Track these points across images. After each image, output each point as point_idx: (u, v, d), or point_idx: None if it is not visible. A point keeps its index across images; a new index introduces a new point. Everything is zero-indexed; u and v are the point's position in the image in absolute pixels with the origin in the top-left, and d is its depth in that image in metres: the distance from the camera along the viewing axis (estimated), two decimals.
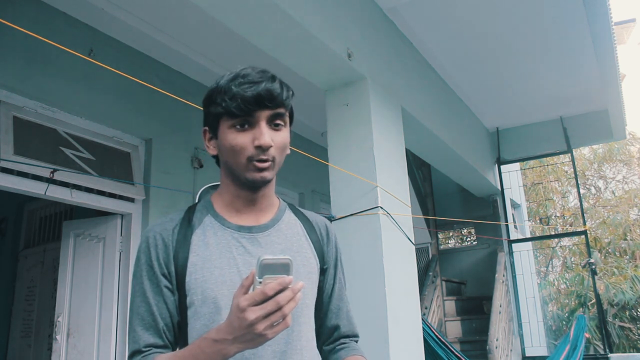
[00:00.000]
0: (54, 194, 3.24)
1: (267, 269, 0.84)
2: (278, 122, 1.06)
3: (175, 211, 1.16)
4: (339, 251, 1.24)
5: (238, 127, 1.04)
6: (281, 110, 1.06)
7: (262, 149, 1.03)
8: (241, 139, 1.04)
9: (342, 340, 1.22)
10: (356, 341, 1.25)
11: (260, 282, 0.84)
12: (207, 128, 1.12)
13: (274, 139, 1.05)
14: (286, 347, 1.04)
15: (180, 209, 1.16)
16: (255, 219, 1.13)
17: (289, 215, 1.18)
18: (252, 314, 0.83)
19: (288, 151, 1.14)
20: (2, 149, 2.98)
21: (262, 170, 1.05)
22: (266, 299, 0.83)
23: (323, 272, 1.19)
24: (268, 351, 1.02)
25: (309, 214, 1.24)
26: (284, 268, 0.85)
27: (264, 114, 1.04)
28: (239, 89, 1.02)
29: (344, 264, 1.30)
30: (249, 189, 1.11)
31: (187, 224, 1.11)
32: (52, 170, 3.06)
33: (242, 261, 1.06)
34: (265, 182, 1.08)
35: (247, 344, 0.87)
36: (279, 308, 0.83)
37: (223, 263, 1.06)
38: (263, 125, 1.03)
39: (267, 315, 0.83)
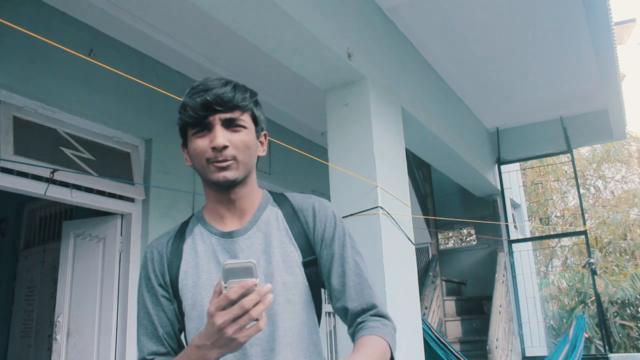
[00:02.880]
0: (54, 194, 3.24)
1: (230, 273, 0.85)
2: (236, 124, 1.10)
3: (173, 227, 1.22)
4: (337, 229, 1.17)
5: (198, 133, 1.10)
6: (236, 113, 1.10)
7: (217, 149, 1.07)
8: (200, 143, 1.10)
9: (359, 320, 1.13)
10: (375, 313, 1.14)
11: (225, 287, 0.85)
12: (182, 143, 1.19)
13: (232, 139, 1.09)
14: (274, 345, 1.06)
15: (177, 225, 1.23)
16: (238, 222, 1.16)
17: (269, 211, 1.18)
18: (220, 318, 0.85)
19: (261, 152, 1.19)
20: (2, 149, 2.98)
21: (221, 169, 1.09)
22: (230, 303, 0.84)
23: (312, 262, 1.15)
24: (258, 350, 1.05)
25: (297, 199, 1.22)
26: (247, 271, 0.85)
27: (217, 118, 1.09)
28: (189, 99, 1.10)
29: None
30: (222, 192, 1.14)
31: (181, 235, 1.18)
32: (52, 170, 3.06)
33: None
34: (229, 182, 1.10)
35: (223, 348, 0.89)
36: (246, 312, 0.84)
37: (211, 268, 1.10)
38: (217, 128, 1.08)
39: (234, 319, 0.85)
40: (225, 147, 1.07)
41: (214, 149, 1.07)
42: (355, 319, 1.13)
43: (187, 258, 1.13)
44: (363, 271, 1.16)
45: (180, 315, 1.13)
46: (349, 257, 1.16)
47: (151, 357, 1.11)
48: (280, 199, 1.22)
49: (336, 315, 1.22)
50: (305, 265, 1.14)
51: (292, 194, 1.24)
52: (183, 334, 1.16)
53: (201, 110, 1.08)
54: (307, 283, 1.14)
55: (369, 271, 1.19)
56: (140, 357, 1.12)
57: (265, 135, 1.22)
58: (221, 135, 1.07)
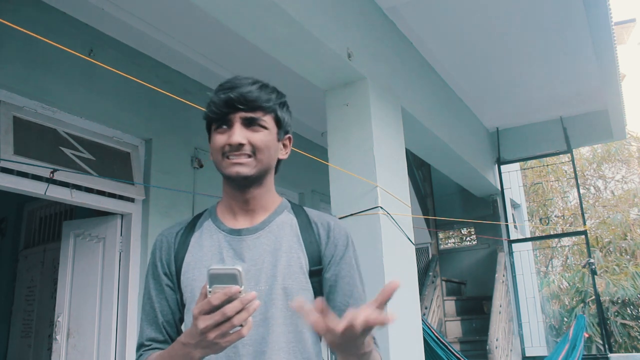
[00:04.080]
0: (54, 194, 3.24)
1: (215, 278, 0.85)
2: (255, 124, 1.12)
3: (185, 218, 1.25)
4: (348, 249, 1.19)
5: (218, 129, 1.13)
6: (257, 114, 1.12)
7: (234, 146, 1.09)
8: (219, 138, 1.12)
9: None
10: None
11: (210, 292, 0.85)
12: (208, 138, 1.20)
13: (250, 138, 1.11)
14: (266, 347, 1.06)
15: (190, 214, 1.23)
16: (249, 221, 1.17)
17: (284, 216, 1.19)
18: (202, 322, 0.86)
19: (283, 155, 1.19)
20: (2, 149, 2.98)
21: (236, 165, 1.10)
22: (213, 308, 0.85)
23: (318, 272, 1.16)
24: (250, 350, 1.05)
25: (314, 214, 1.23)
26: (232, 278, 0.85)
27: (238, 116, 1.11)
28: (215, 95, 1.12)
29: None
30: (237, 188, 1.16)
31: (191, 228, 1.19)
32: (52, 170, 3.06)
33: (230, 263, 1.10)
34: (242, 178, 1.11)
35: (206, 350, 0.90)
36: (228, 319, 0.84)
37: (213, 264, 1.10)
38: (236, 126, 1.11)
39: (216, 325, 0.85)
40: (242, 145, 1.10)
41: (230, 145, 1.10)
42: None
43: (192, 251, 1.15)
44: (366, 299, 1.19)
45: (182, 305, 1.16)
46: (357, 281, 1.20)
47: (149, 343, 1.14)
48: (297, 209, 1.23)
49: None
50: (312, 274, 1.15)
51: (309, 209, 1.25)
52: (183, 323, 1.18)
53: (223, 107, 1.10)
54: (312, 291, 1.14)
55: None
56: (139, 342, 1.15)
57: (289, 138, 1.23)
58: (239, 133, 1.10)
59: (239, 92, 1.10)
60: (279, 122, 1.17)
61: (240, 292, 0.84)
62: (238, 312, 0.84)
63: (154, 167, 3.81)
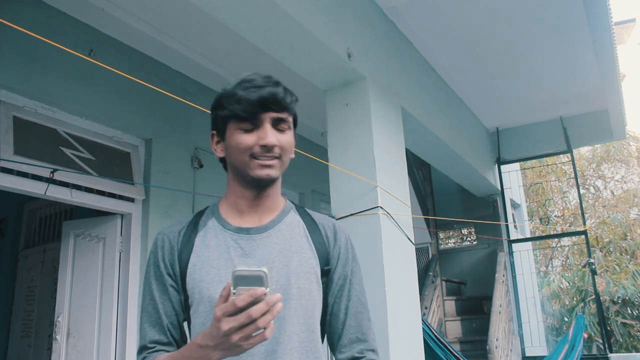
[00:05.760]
0: (54, 194, 3.24)
1: (240, 280, 0.84)
2: (282, 125, 1.12)
3: (186, 216, 1.22)
4: (350, 252, 1.22)
5: (245, 128, 1.10)
6: (284, 114, 1.11)
7: (267, 148, 1.08)
8: (247, 139, 1.09)
9: (356, 355, 1.14)
10: (368, 347, 1.16)
11: (234, 293, 0.84)
12: (214, 132, 1.17)
13: (279, 139, 1.10)
14: (277, 347, 1.06)
15: (191, 214, 1.22)
16: (257, 220, 1.16)
17: (292, 217, 1.20)
18: (226, 324, 0.84)
19: (293, 155, 1.19)
20: (2, 149, 2.98)
21: (266, 167, 1.09)
22: (237, 310, 0.83)
23: (326, 273, 1.18)
24: (261, 350, 1.04)
25: (317, 215, 1.25)
26: (257, 280, 0.84)
27: (268, 116, 1.09)
28: (245, 92, 1.09)
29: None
30: (254, 188, 1.14)
31: (193, 227, 1.17)
32: (52, 170, 3.06)
33: (239, 262, 1.09)
34: (271, 180, 1.12)
35: (226, 351, 0.89)
36: (253, 321, 0.83)
37: (220, 264, 1.09)
38: (268, 127, 1.09)
39: (240, 327, 0.84)
40: (274, 146, 1.09)
41: (263, 146, 1.08)
42: (349, 347, 1.15)
43: (198, 251, 1.12)
44: (366, 302, 1.21)
45: (185, 307, 1.13)
46: (357, 283, 1.21)
47: (152, 345, 1.10)
48: (300, 210, 1.24)
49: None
50: (322, 274, 1.16)
51: (310, 210, 1.26)
52: (186, 324, 1.15)
53: (257, 106, 1.08)
54: (321, 292, 1.15)
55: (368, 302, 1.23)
56: (142, 344, 1.11)
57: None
58: (272, 134, 1.09)
59: (270, 92, 1.09)
60: (295, 123, 1.19)
61: (265, 294, 0.84)
62: (263, 315, 0.83)
63: (154, 167, 3.81)
